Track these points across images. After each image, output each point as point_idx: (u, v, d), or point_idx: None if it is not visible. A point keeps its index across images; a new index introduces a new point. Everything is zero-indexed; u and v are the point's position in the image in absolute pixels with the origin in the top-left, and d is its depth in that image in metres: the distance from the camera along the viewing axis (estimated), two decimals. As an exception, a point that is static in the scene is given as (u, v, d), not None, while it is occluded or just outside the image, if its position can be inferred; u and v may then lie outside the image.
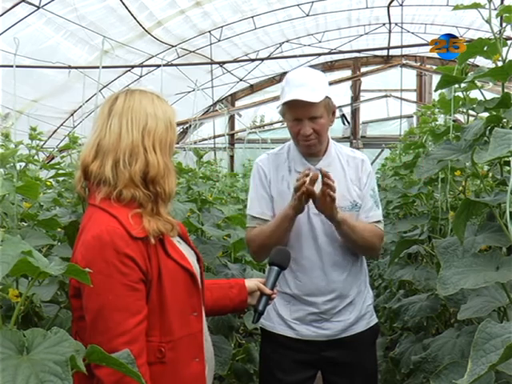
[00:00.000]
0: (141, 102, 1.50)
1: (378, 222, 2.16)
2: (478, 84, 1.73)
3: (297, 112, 2.00)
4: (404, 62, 10.27)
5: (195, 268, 1.56)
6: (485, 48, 1.58)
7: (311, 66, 11.84)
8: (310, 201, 2.03)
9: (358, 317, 2.14)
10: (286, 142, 2.23)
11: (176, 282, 1.47)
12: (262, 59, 9.86)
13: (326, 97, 1.99)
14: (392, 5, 8.79)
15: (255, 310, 1.76)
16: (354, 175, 2.14)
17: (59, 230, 1.96)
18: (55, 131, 8.37)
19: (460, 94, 1.96)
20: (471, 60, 1.81)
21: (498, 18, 1.55)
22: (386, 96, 11.77)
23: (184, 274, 1.50)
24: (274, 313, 2.14)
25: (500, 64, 1.52)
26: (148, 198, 1.47)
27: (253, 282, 1.81)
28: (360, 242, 2.07)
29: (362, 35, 10.84)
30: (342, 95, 11.85)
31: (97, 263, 1.33)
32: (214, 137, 7.42)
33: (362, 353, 2.16)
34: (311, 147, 2.07)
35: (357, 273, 2.15)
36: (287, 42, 10.51)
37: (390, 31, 10.09)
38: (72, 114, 8.47)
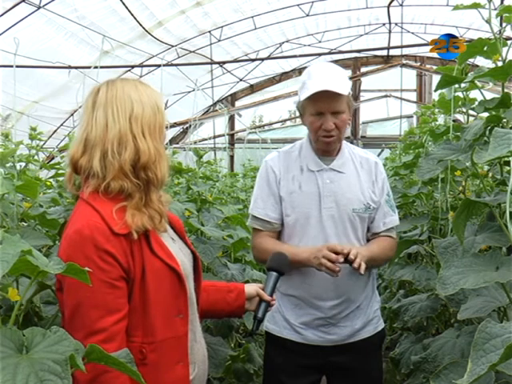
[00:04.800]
0: (124, 90, 1.46)
1: (393, 228, 2.14)
2: (478, 84, 1.73)
3: (321, 105, 1.94)
4: (404, 62, 10.26)
5: (185, 268, 1.51)
6: (485, 48, 1.58)
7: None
8: (324, 201, 2.02)
9: (366, 322, 2.10)
10: (297, 141, 2.18)
11: (161, 282, 1.43)
12: (262, 59, 9.85)
13: (349, 92, 1.97)
14: (392, 5, 8.79)
15: (254, 316, 1.73)
16: (367, 177, 2.09)
17: (59, 229, 1.96)
18: (55, 131, 8.37)
19: (460, 94, 1.96)
20: (471, 60, 1.82)
21: (498, 18, 1.55)
22: (386, 96, 11.76)
23: (170, 274, 1.45)
24: (280, 316, 2.10)
25: (500, 64, 1.52)
26: (137, 188, 1.43)
27: (252, 288, 1.77)
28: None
29: (362, 35, 10.84)
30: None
31: (77, 258, 1.27)
32: (214, 137, 7.42)
33: (368, 358, 2.12)
34: (331, 144, 2.02)
35: (366, 278, 2.09)
36: (287, 42, 10.51)
37: (390, 31, 10.09)
38: (72, 114, 8.47)
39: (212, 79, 9.53)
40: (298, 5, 8.73)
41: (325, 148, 2.05)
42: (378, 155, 11.35)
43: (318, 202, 2.03)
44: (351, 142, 12.93)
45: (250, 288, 1.78)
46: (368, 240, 2.12)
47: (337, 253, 1.88)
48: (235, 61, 10.05)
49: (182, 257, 1.54)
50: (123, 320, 1.37)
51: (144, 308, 1.41)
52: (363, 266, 1.85)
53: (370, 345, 2.12)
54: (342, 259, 1.86)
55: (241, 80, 11.76)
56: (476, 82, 1.67)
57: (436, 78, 9.18)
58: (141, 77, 8.75)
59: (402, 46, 9.34)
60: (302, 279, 2.04)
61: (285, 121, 13.64)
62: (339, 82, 1.94)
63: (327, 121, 1.95)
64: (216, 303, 1.74)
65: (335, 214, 2.02)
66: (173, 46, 8.47)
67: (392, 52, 11.04)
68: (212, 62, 9.07)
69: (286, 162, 2.10)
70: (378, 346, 2.20)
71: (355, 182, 2.07)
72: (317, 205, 2.03)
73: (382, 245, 2.09)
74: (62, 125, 8.50)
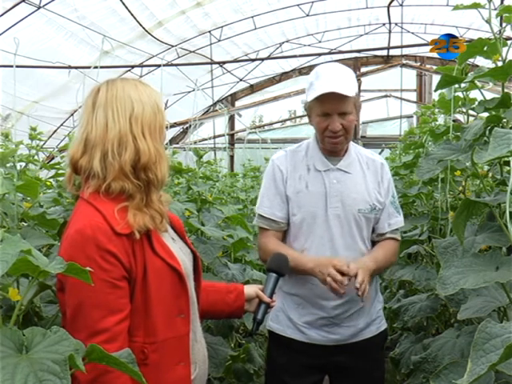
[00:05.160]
0: (124, 89, 1.45)
1: (397, 229, 2.13)
2: (478, 84, 1.73)
3: (328, 106, 1.94)
4: (404, 62, 10.27)
5: (186, 268, 1.51)
6: (485, 48, 1.58)
7: (311, 66, 11.87)
8: (330, 201, 2.02)
9: (369, 322, 2.10)
10: (304, 140, 2.18)
11: (162, 282, 1.43)
12: (262, 59, 9.85)
13: (356, 93, 1.97)
14: (392, 5, 8.79)
15: (254, 318, 1.72)
16: (373, 178, 2.10)
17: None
18: (55, 131, 8.37)
19: (460, 94, 1.96)
20: (471, 60, 1.82)
21: (498, 18, 1.55)
22: (386, 96, 11.77)
23: (171, 274, 1.45)
24: (283, 316, 2.11)
25: (500, 64, 1.52)
26: (138, 189, 1.42)
27: (252, 289, 1.77)
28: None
29: (362, 35, 10.84)
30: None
31: (78, 258, 1.27)
32: (214, 137, 7.41)
33: (371, 358, 2.12)
34: (337, 145, 2.02)
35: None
36: (287, 42, 10.51)
37: (389, 31, 10.09)
38: (72, 114, 8.47)
39: (212, 79, 9.53)
40: (298, 5, 8.73)
41: (331, 149, 2.05)
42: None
43: (324, 202, 2.03)
44: (351, 142, 12.90)
45: (250, 289, 1.77)
46: (373, 241, 2.12)
47: (343, 273, 1.87)
48: (235, 61, 10.05)
49: (182, 256, 1.53)
50: (125, 320, 1.36)
51: (145, 308, 1.40)
52: (365, 293, 1.87)
53: (372, 345, 2.12)
54: (346, 281, 1.87)
55: (241, 80, 11.75)
56: (476, 81, 1.67)
57: (436, 78, 9.19)
58: (141, 77, 8.75)
59: (402, 46, 9.34)
60: (305, 278, 2.03)
61: (285, 121, 13.64)
62: (346, 83, 1.94)
63: (334, 122, 1.95)
64: (215, 304, 1.73)
65: (341, 213, 2.03)
66: (173, 46, 8.47)
67: (392, 52, 11.04)
68: (212, 62, 9.08)
69: (293, 161, 2.10)
70: (381, 346, 2.20)
71: (361, 182, 2.07)
72: (323, 204, 2.03)
73: (387, 251, 2.10)
74: (62, 125, 8.49)
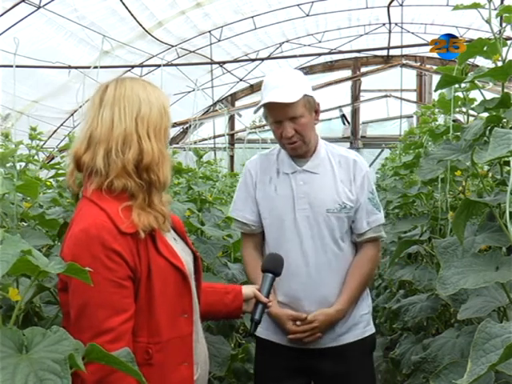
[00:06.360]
0: (132, 89, 1.45)
1: (379, 226, 2.09)
2: (478, 84, 1.73)
3: (275, 113, 1.96)
4: (404, 62, 10.28)
5: (188, 268, 1.51)
6: (485, 48, 1.58)
7: (311, 66, 11.88)
8: (297, 203, 2.02)
9: (348, 326, 2.05)
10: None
11: (166, 281, 1.42)
12: (262, 59, 9.85)
13: (305, 95, 1.94)
14: (392, 5, 8.79)
15: (251, 319, 1.72)
16: (344, 176, 2.05)
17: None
18: (55, 131, 8.37)
19: (460, 94, 1.96)
20: (471, 60, 1.82)
21: (498, 18, 1.55)
22: (386, 96, 11.78)
23: (175, 274, 1.45)
24: (265, 318, 2.04)
25: (500, 64, 1.52)
26: (140, 188, 1.42)
27: (250, 289, 1.77)
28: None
29: (362, 35, 10.84)
30: (342, 95, 11.89)
31: (83, 258, 1.27)
32: (214, 137, 7.42)
33: (353, 365, 2.05)
34: (296, 149, 2.01)
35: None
36: (287, 42, 10.51)
37: (389, 31, 10.09)
38: (72, 114, 8.47)
39: (212, 79, 9.54)
40: (298, 5, 8.73)
41: (292, 153, 2.05)
42: (378, 155, 11.36)
43: (292, 204, 2.02)
44: (351, 143, 12.90)
45: (248, 290, 1.77)
46: (355, 242, 2.09)
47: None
48: (235, 61, 10.05)
49: (185, 256, 1.54)
50: (130, 320, 1.36)
51: (149, 308, 1.40)
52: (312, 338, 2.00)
53: (354, 351, 2.05)
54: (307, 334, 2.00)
55: (241, 80, 11.76)
56: (476, 81, 1.67)
57: (436, 78, 9.19)
58: (141, 77, 8.75)
59: (402, 46, 9.35)
60: (279, 282, 2.00)
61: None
62: (290, 89, 1.93)
63: (285, 128, 1.95)
64: (213, 304, 1.72)
65: (310, 215, 2.01)
66: (173, 46, 8.47)
67: (392, 52, 11.05)
68: (212, 62, 9.08)
69: (264, 164, 2.11)
70: (366, 352, 2.13)
71: (329, 182, 2.04)
72: (291, 207, 2.02)
73: (362, 269, 2.06)
74: (62, 125, 8.49)
